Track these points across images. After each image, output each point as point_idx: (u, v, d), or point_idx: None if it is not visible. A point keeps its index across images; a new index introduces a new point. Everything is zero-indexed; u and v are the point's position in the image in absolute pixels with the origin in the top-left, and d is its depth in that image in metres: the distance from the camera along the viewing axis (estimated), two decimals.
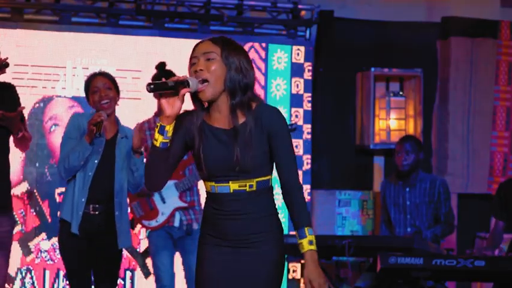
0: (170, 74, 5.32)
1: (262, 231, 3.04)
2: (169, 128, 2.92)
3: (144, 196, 5.30)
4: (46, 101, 6.04)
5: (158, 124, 2.92)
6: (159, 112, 5.38)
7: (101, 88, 4.55)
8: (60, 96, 6.05)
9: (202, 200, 5.45)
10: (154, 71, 5.44)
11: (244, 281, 3.03)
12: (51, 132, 6.03)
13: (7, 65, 4.40)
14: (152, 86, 2.85)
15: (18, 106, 4.41)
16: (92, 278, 4.59)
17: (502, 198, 5.44)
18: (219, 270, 3.03)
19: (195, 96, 3.00)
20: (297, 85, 6.57)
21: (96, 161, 4.49)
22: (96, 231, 4.48)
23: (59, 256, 5.92)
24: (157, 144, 2.92)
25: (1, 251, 4.38)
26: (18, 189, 5.90)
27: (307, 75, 6.59)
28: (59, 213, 4.64)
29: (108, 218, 4.51)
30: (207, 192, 3.06)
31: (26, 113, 5.85)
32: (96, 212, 4.48)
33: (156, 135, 2.93)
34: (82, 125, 4.52)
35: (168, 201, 5.26)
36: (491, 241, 5.48)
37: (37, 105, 6.01)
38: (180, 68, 5.46)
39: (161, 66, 5.38)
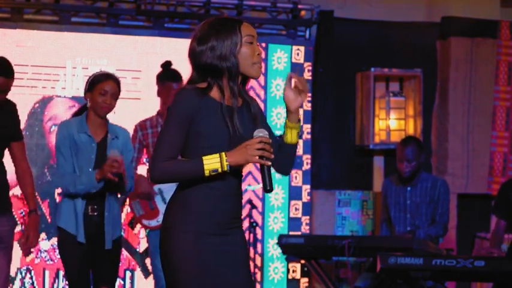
0: (175, 73, 5.34)
1: (240, 212, 3.08)
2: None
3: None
4: (46, 101, 6.03)
5: (227, 163, 2.90)
6: (163, 110, 5.39)
7: (109, 94, 4.44)
8: (60, 96, 6.05)
9: None
10: (153, 71, 5.49)
11: (234, 265, 3.01)
12: (51, 132, 6.02)
13: None
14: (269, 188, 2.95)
15: (17, 126, 4.43)
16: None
17: (504, 198, 5.45)
18: (211, 261, 2.96)
19: (238, 76, 3.00)
20: None
21: (90, 169, 4.41)
22: (94, 231, 4.46)
23: (58, 256, 5.94)
24: (207, 174, 2.91)
25: (2, 250, 4.39)
26: (19, 190, 5.88)
27: (307, 75, 6.59)
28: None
29: (103, 219, 4.48)
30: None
31: (26, 113, 5.91)
32: (95, 213, 4.45)
33: (217, 169, 2.90)
34: (70, 132, 4.42)
35: None
36: (493, 241, 5.49)
37: (37, 105, 6.01)
38: (179, 68, 5.48)
39: (166, 65, 5.41)
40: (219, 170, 2.89)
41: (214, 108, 2.96)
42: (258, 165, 2.96)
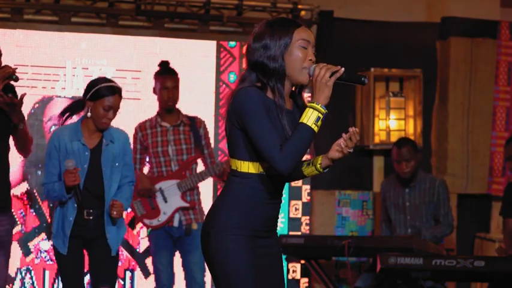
0: (173, 72, 5.39)
1: (278, 215, 3.06)
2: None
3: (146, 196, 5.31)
4: (46, 101, 6.04)
5: (319, 105, 2.90)
6: (161, 110, 5.40)
7: (112, 109, 4.41)
8: (60, 97, 6.05)
9: (202, 200, 5.48)
10: (153, 72, 5.50)
11: (274, 268, 3.01)
12: (51, 132, 6.02)
13: (16, 79, 4.34)
14: (364, 79, 2.99)
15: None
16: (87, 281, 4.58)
17: (511, 198, 5.45)
18: (260, 263, 2.94)
19: (282, 78, 2.96)
20: None
21: (83, 179, 4.42)
22: (90, 235, 4.44)
23: None
24: (316, 129, 2.95)
25: (1, 250, 4.39)
26: (18, 189, 5.90)
27: None
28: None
29: (102, 222, 4.47)
30: (257, 175, 2.94)
31: (25, 112, 5.88)
32: (90, 217, 4.44)
33: (319, 117, 2.92)
34: (62, 142, 4.41)
35: (170, 200, 5.27)
36: (508, 241, 5.47)
37: (37, 105, 6.01)
38: (179, 68, 5.49)
39: (164, 64, 5.45)
40: (321, 115, 2.91)
41: (272, 107, 2.92)
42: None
